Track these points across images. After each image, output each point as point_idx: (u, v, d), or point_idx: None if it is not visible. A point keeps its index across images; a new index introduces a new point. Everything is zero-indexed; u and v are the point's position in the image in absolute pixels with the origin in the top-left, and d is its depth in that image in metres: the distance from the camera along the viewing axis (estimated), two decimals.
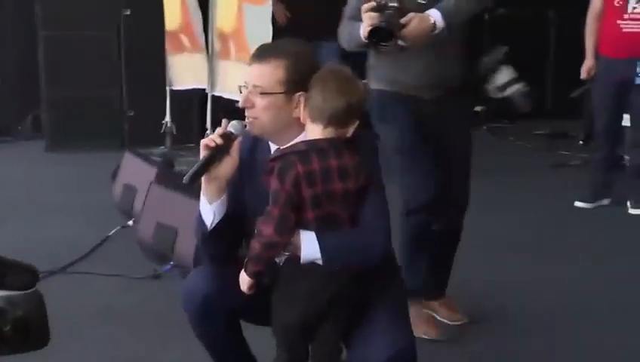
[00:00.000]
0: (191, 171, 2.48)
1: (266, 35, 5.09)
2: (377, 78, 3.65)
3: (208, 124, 6.55)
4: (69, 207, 5.66)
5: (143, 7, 7.12)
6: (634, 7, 5.31)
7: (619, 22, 5.36)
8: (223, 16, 6.02)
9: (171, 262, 4.26)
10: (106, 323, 3.86)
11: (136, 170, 5.08)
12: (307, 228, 2.44)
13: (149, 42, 7.00)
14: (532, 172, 6.54)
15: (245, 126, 2.58)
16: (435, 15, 3.31)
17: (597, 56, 5.53)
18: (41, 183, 6.39)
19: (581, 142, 7.28)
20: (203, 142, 2.54)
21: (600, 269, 4.45)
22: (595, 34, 5.51)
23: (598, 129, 5.69)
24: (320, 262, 2.45)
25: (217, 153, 2.50)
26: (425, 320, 3.65)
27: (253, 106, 2.55)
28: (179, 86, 6.79)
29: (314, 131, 2.54)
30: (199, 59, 6.44)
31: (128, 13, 7.15)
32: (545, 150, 6.94)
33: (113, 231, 4.93)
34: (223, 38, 6.10)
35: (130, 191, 4.96)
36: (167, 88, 6.85)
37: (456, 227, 3.77)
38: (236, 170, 2.57)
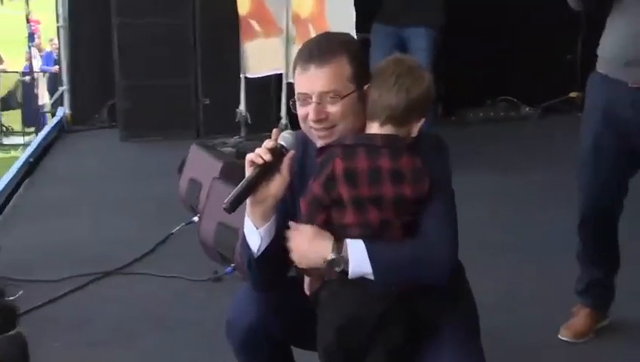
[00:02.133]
0: (232, 194, 2.15)
1: (349, 19, 4.82)
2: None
3: (283, 113, 6.40)
4: (138, 200, 5.58)
5: None
6: None
7: None
8: (300, 1, 5.81)
9: (232, 265, 4.07)
10: (160, 331, 3.70)
11: (202, 164, 4.90)
12: (349, 235, 2.16)
13: (224, 28, 6.81)
14: None
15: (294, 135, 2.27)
16: None
17: None
18: (113, 175, 6.29)
19: None
20: (248, 157, 2.19)
21: None
22: None
23: None
24: (371, 277, 2.15)
25: (265, 172, 2.17)
26: None
27: (327, 118, 2.23)
28: (253, 74, 6.61)
29: (371, 130, 2.26)
30: (274, 44, 6.22)
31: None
32: None
33: (177, 229, 4.78)
34: (300, 22, 5.92)
35: (195, 185, 4.76)
36: (242, 76, 6.68)
37: None
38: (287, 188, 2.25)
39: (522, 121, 7.76)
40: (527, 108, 7.88)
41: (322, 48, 2.27)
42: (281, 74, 6.42)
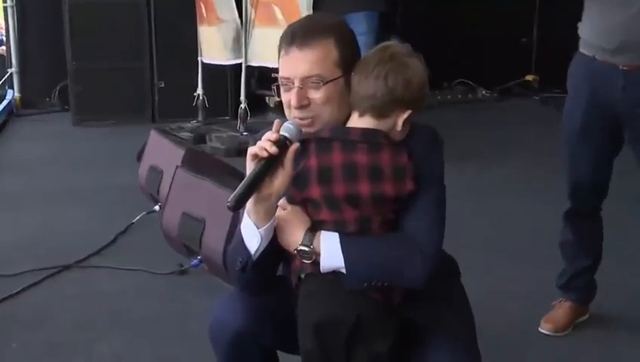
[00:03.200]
0: (237, 191, 1.97)
1: None
2: None
3: (242, 96, 6.33)
4: (95, 188, 5.42)
5: None
6: None
7: None
8: None
9: (198, 257, 3.91)
10: (122, 328, 3.54)
11: (162, 151, 4.73)
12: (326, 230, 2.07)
13: (181, 9, 6.72)
14: None
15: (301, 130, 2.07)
16: None
17: None
18: (67, 162, 6.13)
19: None
20: (251, 151, 2.00)
21: None
22: None
23: None
24: (343, 270, 2.04)
25: (270, 166, 1.99)
26: None
27: (309, 104, 2.09)
28: (207, 59, 6.59)
29: (351, 122, 2.12)
30: (216, 33, 6.23)
31: None
32: None
33: (137, 218, 4.65)
34: (261, 4, 5.85)
35: (156, 173, 4.62)
36: (199, 59, 6.64)
37: None
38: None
39: (479, 103, 7.73)
40: (483, 92, 7.87)
41: (306, 30, 2.12)
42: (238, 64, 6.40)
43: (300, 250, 2.04)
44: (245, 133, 6.10)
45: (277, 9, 5.64)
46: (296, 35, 2.09)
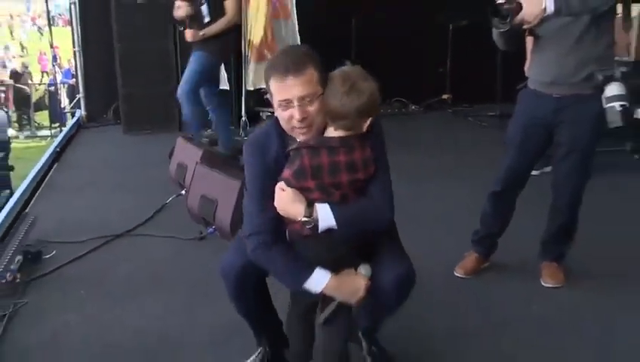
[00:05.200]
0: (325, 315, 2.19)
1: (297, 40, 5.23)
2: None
3: (243, 112, 6.28)
4: (139, 179, 5.28)
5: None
6: None
7: None
8: (254, 31, 5.65)
9: (213, 227, 3.86)
10: (160, 280, 3.46)
11: (186, 152, 4.64)
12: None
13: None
14: (487, 145, 5.97)
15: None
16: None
17: None
18: (118, 160, 6.00)
19: None
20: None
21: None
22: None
23: None
24: (336, 227, 2.08)
25: None
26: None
27: (308, 116, 2.08)
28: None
29: (329, 132, 2.13)
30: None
31: (181, 29, 6.59)
32: (497, 128, 6.38)
33: (169, 200, 4.54)
34: (253, 46, 5.79)
35: (182, 168, 4.53)
36: None
37: None
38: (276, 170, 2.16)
39: (410, 115, 7.65)
40: (413, 107, 7.80)
41: (295, 61, 2.06)
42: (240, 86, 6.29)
43: (304, 221, 2.07)
44: (245, 138, 5.95)
45: (266, 51, 5.58)
46: (290, 67, 2.04)
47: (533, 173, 5.08)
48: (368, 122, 2.10)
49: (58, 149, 6.27)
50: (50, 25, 10.03)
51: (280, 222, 2.15)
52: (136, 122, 6.83)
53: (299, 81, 2.04)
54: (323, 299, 2.18)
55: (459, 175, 5.21)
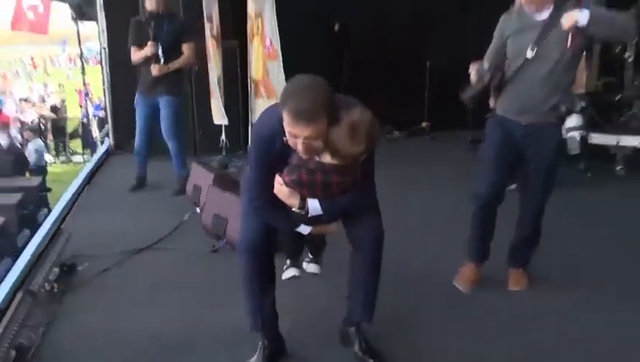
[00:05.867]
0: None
1: (282, 81, 4.87)
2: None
3: (249, 140, 6.24)
4: (159, 199, 5.25)
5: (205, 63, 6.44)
6: None
7: None
8: (255, 68, 5.66)
9: (224, 240, 3.85)
10: (180, 287, 3.46)
11: (200, 175, 4.66)
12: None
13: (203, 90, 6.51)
14: (461, 166, 5.96)
15: None
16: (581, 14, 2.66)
17: None
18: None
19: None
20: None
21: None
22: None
23: None
24: (323, 216, 2.35)
25: None
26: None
27: (311, 149, 2.14)
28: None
29: (326, 158, 2.17)
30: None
31: (195, 69, 6.60)
32: (469, 150, 6.40)
33: (186, 217, 4.53)
34: (254, 82, 5.80)
35: (197, 189, 4.56)
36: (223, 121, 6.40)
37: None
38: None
39: (396, 140, 7.62)
40: (397, 133, 7.76)
41: (308, 111, 2.03)
42: (246, 115, 6.28)
43: (298, 211, 2.29)
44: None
45: (262, 88, 5.59)
46: (302, 116, 2.03)
47: None
48: (366, 156, 2.15)
49: (89, 173, 6.25)
50: (83, 66, 10.03)
51: (275, 197, 2.32)
52: (157, 149, 6.76)
53: (309, 129, 2.05)
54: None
55: (436, 187, 5.26)
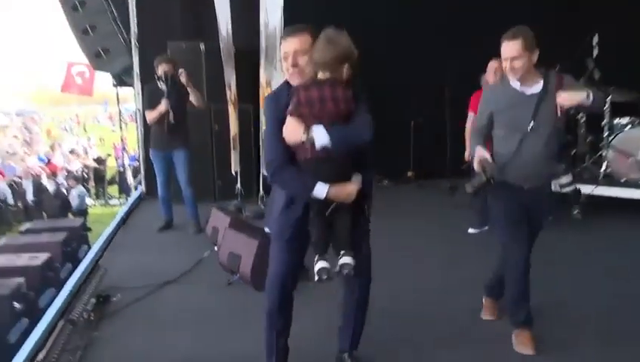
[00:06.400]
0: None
1: None
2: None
3: (261, 188, 6.29)
4: (183, 239, 5.23)
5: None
6: None
7: None
8: None
9: (237, 275, 3.83)
10: (201, 316, 3.43)
11: (219, 218, 4.66)
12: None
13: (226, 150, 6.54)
14: (443, 209, 6.01)
15: None
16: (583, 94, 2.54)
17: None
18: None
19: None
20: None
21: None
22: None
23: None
24: (330, 145, 2.12)
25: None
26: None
27: (297, 64, 2.21)
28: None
29: (319, 75, 2.19)
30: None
31: (217, 128, 6.69)
32: (448, 195, 6.45)
33: (206, 254, 4.49)
34: None
35: (215, 230, 4.56)
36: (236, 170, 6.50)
37: None
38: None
39: (385, 187, 7.62)
40: (386, 181, 7.77)
41: (296, 28, 2.24)
42: (258, 167, 6.29)
43: (304, 140, 2.11)
44: (263, 208, 5.97)
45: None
46: (289, 31, 2.24)
47: (471, 231, 5.13)
48: (346, 68, 2.16)
49: (124, 215, 6.26)
50: (120, 123, 10.18)
51: (290, 153, 2.19)
52: (180, 195, 6.74)
53: (297, 40, 2.19)
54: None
55: (422, 229, 5.24)
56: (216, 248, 4.38)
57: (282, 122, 2.17)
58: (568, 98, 2.56)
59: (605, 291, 3.57)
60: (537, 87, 2.66)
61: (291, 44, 2.19)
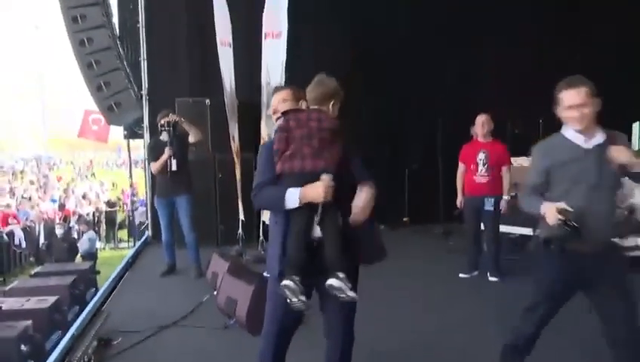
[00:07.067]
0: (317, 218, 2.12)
1: None
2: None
3: (261, 233, 6.38)
4: (183, 282, 5.32)
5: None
6: (481, 170, 5.04)
7: (473, 177, 5.09)
8: None
9: (234, 319, 3.90)
10: (200, 356, 3.53)
11: (218, 264, 4.76)
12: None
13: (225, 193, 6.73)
14: (437, 252, 6.11)
15: None
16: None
17: (464, 194, 5.17)
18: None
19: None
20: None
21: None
22: (462, 182, 5.18)
23: (469, 232, 5.23)
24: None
25: None
26: None
27: (277, 110, 2.44)
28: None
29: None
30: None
31: (220, 176, 6.86)
32: (441, 239, 6.56)
33: (205, 298, 4.58)
34: None
35: (215, 275, 4.66)
36: (240, 217, 6.59)
37: None
38: None
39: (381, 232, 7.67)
40: (382, 226, 7.74)
41: (281, 87, 2.65)
42: (259, 214, 6.39)
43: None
44: (263, 253, 6.05)
45: None
46: (276, 89, 2.56)
47: (461, 276, 5.21)
48: (331, 105, 2.31)
49: (130, 259, 6.35)
50: (130, 169, 10.40)
51: (275, 180, 2.22)
52: (182, 241, 6.81)
53: (278, 95, 2.50)
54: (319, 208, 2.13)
55: (416, 271, 5.30)
56: (215, 292, 4.47)
57: (272, 166, 2.23)
58: (623, 153, 2.32)
59: None
60: (598, 138, 2.42)
61: (276, 98, 2.50)
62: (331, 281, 2.07)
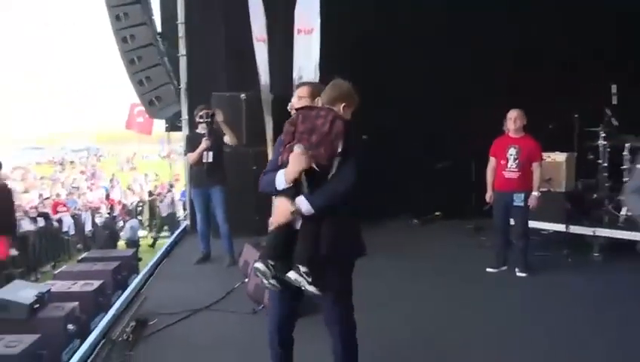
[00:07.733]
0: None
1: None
2: None
3: None
4: (216, 270, 5.47)
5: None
6: (511, 165, 5.01)
7: (503, 172, 5.04)
8: None
9: (262, 305, 4.02)
10: (228, 339, 3.68)
11: (250, 252, 4.91)
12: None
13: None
14: (466, 250, 6.06)
15: None
16: None
17: (493, 189, 5.13)
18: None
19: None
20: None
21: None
22: (492, 177, 5.13)
23: (497, 227, 5.20)
24: (314, 212, 2.20)
25: None
26: None
27: (293, 106, 2.53)
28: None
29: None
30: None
31: (255, 168, 6.91)
32: (471, 236, 6.52)
33: (237, 285, 4.72)
34: None
35: (246, 264, 4.82)
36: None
37: None
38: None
39: (412, 227, 7.66)
40: (415, 220, 7.79)
41: (300, 83, 2.71)
42: None
43: (292, 211, 2.22)
44: None
45: None
46: (296, 86, 2.69)
47: (490, 270, 5.17)
48: (342, 107, 2.38)
49: (169, 247, 6.57)
50: (170, 163, 10.71)
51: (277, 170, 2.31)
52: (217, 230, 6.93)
53: (297, 92, 2.59)
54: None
55: (444, 265, 5.28)
56: (246, 280, 4.62)
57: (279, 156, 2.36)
58: None
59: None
60: None
61: (295, 94, 2.60)
62: (290, 274, 2.17)
